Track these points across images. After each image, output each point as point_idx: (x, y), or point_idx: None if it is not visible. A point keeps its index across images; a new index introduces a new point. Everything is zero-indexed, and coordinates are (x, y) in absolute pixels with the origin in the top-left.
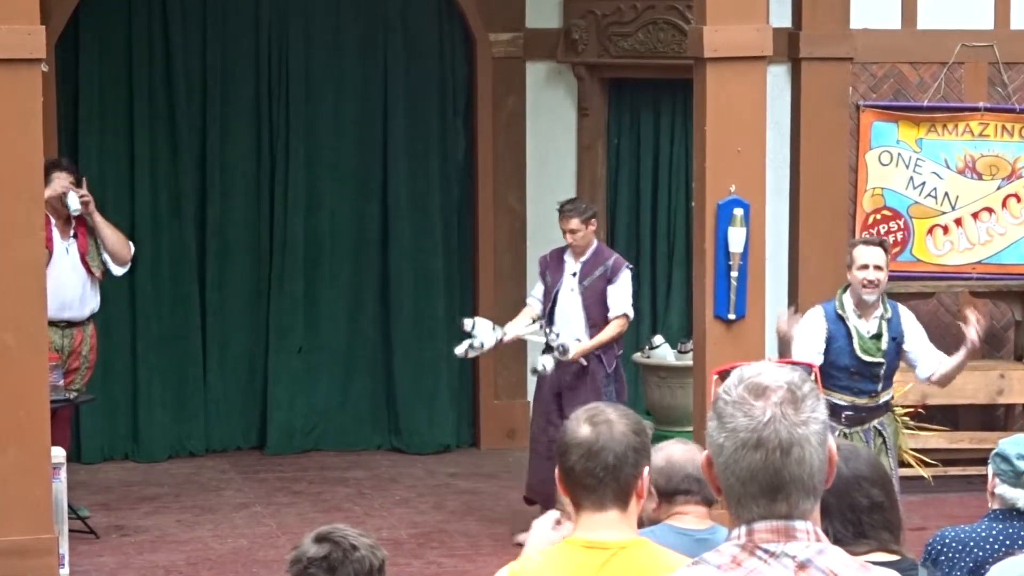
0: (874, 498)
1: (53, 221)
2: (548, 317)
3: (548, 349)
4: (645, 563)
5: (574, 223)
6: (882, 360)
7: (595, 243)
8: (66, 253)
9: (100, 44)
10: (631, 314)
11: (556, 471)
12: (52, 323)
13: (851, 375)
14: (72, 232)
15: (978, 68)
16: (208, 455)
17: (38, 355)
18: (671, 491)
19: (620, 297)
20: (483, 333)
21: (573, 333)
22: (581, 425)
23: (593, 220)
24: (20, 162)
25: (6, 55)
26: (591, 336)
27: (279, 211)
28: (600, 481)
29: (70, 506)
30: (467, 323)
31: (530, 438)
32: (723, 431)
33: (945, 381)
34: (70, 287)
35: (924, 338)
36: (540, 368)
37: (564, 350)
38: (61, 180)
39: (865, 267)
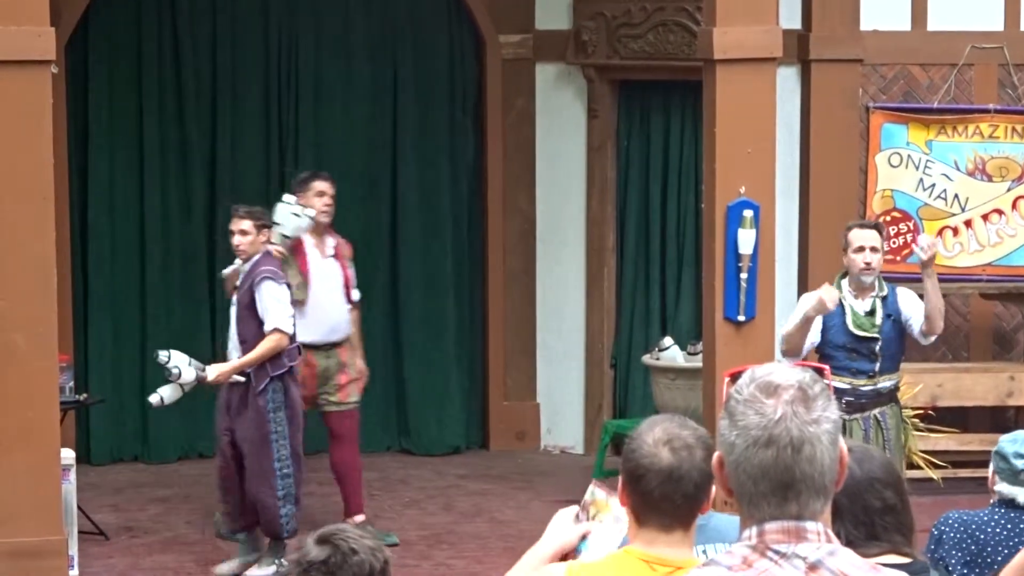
0: (887, 500)
1: (305, 237)
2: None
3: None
4: None
5: (245, 224)
6: (877, 336)
7: (259, 255)
8: (326, 275)
9: (110, 46)
10: (286, 329)
11: (621, 485)
12: (316, 347)
13: (848, 353)
14: (331, 252)
15: (988, 70)
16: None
17: (48, 356)
18: None
19: (268, 311)
20: (180, 363)
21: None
22: (660, 449)
23: (266, 231)
24: (31, 163)
25: (16, 56)
26: (241, 354)
27: None
28: (677, 507)
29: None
30: (162, 355)
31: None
32: (734, 429)
33: (932, 323)
34: (335, 309)
35: (918, 305)
36: (156, 400)
37: (175, 374)
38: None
39: (861, 249)
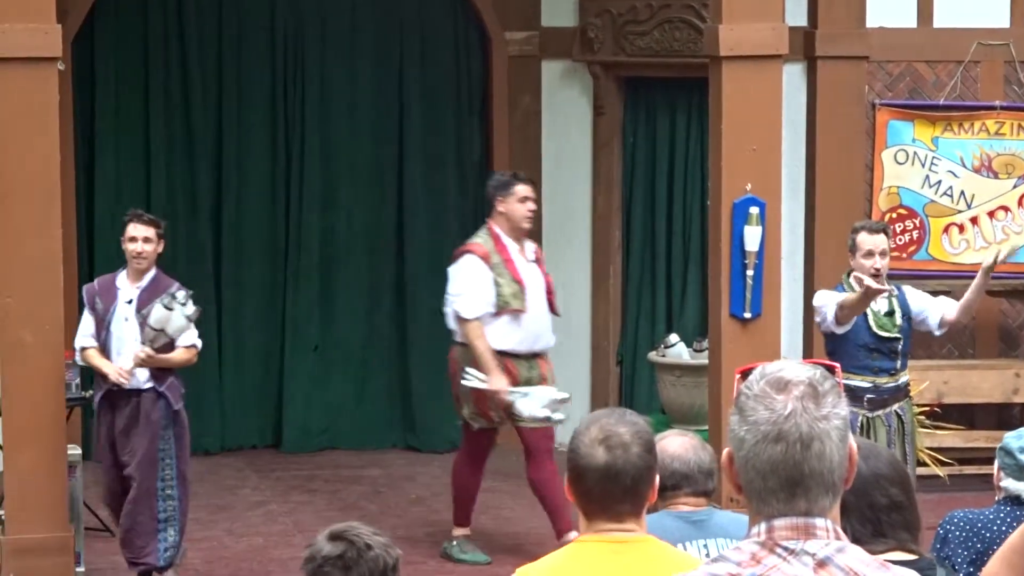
0: (893, 497)
1: (508, 243)
2: (103, 349)
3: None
4: (655, 556)
5: (151, 232)
6: (899, 335)
7: (155, 269)
8: (534, 282)
9: (116, 43)
10: (199, 344)
11: (567, 484)
12: (518, 355)
13: (870, 352)
14: (533, 257)
15: (994, 67)
16: (224, 453)
17: (54, 353)
18: (664, 486)
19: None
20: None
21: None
22: (596, 449)
23: (163, 240)
24: (37, 161)
25: (23, 54)
26: (151, 375)
27: (295, 210)
28: (619, 502)
29: None
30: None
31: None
32: (744, 424)
33: (967, 310)
34: (541, 317)
35: (928, 297)
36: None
37: (184, 299)
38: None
39: (870, 254)
